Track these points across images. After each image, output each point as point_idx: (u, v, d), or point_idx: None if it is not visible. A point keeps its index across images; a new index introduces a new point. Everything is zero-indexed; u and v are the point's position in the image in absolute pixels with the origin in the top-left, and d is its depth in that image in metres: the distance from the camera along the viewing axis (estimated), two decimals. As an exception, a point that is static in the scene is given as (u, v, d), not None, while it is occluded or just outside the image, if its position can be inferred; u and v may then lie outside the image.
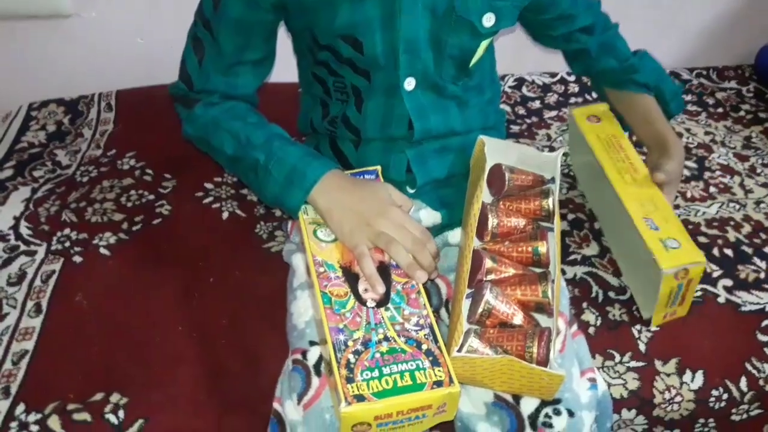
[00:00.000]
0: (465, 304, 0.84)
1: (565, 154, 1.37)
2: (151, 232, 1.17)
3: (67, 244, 1.14)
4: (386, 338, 0.76)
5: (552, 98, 1.60)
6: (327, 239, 0.87)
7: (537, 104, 1.58)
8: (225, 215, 1.21)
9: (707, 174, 1.37)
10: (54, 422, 0.88)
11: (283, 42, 1.02)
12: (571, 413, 0.81)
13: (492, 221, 0.91)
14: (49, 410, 0.90)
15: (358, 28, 0.89)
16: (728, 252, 1.19)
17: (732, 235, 1.22)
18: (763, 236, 1.22)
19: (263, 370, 0.95)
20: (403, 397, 0.70)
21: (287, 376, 0.85)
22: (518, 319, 0.82)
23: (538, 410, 0.81)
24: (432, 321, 0.78)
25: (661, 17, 1.71)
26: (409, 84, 0.94)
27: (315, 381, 0.81)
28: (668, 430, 1.02)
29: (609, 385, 0.97)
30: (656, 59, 1.16)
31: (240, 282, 1.09)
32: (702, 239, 1.21)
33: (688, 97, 1.62)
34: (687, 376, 1.00)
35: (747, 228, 1.24)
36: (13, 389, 0.92)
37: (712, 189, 1.33)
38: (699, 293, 1.10)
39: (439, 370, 0.73)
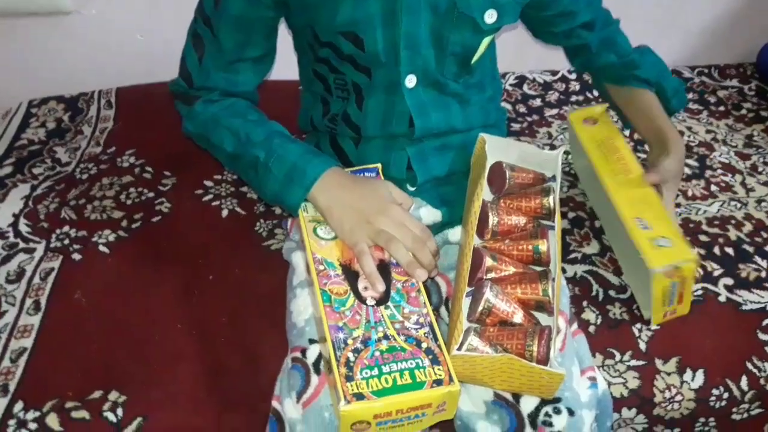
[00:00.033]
0: (465, 303, 0.84)
1: (566, 152, 1.36)
2: (151, 230, 1.17)
3: (67, 241, 1.14)
4: (386, 336, 0.75)
5: (553, 96, 1.59)
6: (327, 237, 0.87)
7: (538, 102, 1.57)
8: (225, 213, 1.21)
9: (708, 172, 1.37)
10: (52, 420, 0.88)
11: (284, 39, 1.01)
12: (571, 412, 0.81)
13: (492, 219, 0.91)
14: (48, 408, 0.90)
15: (359, 24, 0.88)
16: (729, 251, 1.19)
17: (733, 233, 1.22)
18: (765, 235, 1.22)
19: (262, 368, 0.95)
20: (402, 395, 0.70)
21: (286, 374, 0.85)
22: (518, 317, 0.82)
23: (538, 409, 0.81)
24: (432, 319, 0.78)
25: (663, 15, 1.71)
26: (410, 81, 0.94)
27: (314, 379, 0.81)
28: (669, 429, 1.02)
29: (609, 383, 0.97)
30: (658, 55, 1.16)
31: (240, 280, 1.09)
32: (703, 238, 1.20)
33: (690, 96, 1.62)
34: (687, 375, 1.00)
35: (748, 227, 1.24)
36: (12, 387, 0.92)
37: (713, 187, 1.33)
38: (700, 292, 1.10)
39: (438, 369, 0.72)
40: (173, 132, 1.10)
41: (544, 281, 0.83)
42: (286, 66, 1.11)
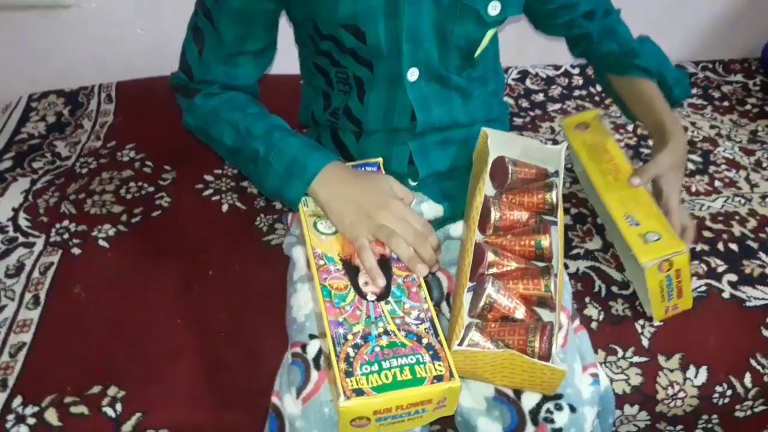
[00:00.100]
0: (466, 298, 0.83)
1: (569, 147, 1.36)
2: (151, 225, 1.17)
3: (66, 236, 1.13)
4: (386, 332, 0.75)
5: (556, 91, 1.59)
6: (327, 232, 0.86)
7: (540, 97, 1.57)
8: (225, 208, 1.21)
9: (712, 168, 1.36)
10: (51, 415, 0.88)
11: (285, 33, 1.01)
12: (572, 408, 0.80)
13: (495, 214, 0.90)
14: (47, 403, 0.89)
15: (361, 17, 0.88)
16: (733, 247, 1.18)
17: (737, 229, 1.21)
18: (769, 231, 1.21)
19: (262, 363, 0.95)
20: (402, 391, 0.69)
21: (286, 369, 0.84)
22: (520, 313, 0.81)
23: (539, 405, 0.80)
24: (433, 315, 0.78)
25: (667, 10, 1.70)
26: (413, 75, 0.93)
27: (314, 375, 0.80)
28: (671, 426, 1.01)
29: (611, 380, 0.96)
30: (658, 45, 1.15)
31: (240, 275, 1.08)
32: (707, 234, 1.20)
33: (694, 91, 1.61)
34: (690, 371, 0.99)
35: (752, 222, 1.23)
36: (11, 382, 0.92)
37: (717, 183, 1.32)
38: (703, 288, 1.09)
39: (439, 365, 0.72)
40: (174, 126, 1.09)
41: (546, 277, 0.82)
42: (286, 60, 1.11)
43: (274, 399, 0.83)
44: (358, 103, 0.97)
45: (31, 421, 0.87)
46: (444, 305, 0.97)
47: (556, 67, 1.66)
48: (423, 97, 0.96)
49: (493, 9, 0.91)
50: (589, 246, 1.16)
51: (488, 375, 0.79)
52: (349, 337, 0.74)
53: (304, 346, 0.83)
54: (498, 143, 0.95)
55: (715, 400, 0.99)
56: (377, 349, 0.73)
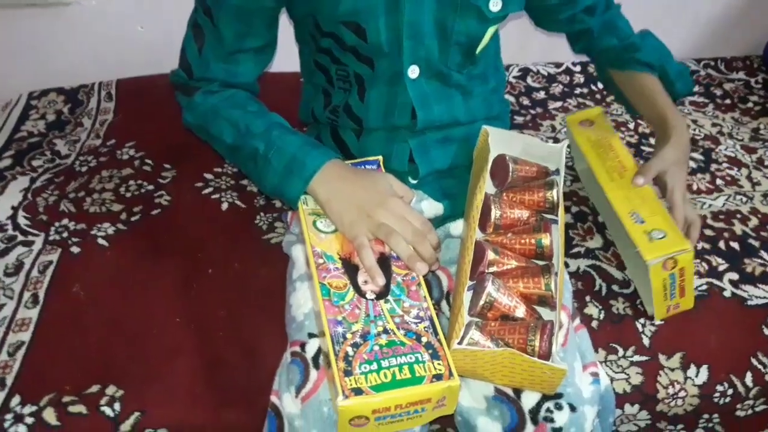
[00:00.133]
0: (466, 297, 0.83)
1: (569, 146, 1.35)
2: (150, 223, 1.16)
3: (65, 234, 1.13)
4: (385, 331, 0.74)
5: (557, 89, 1.58)
6: (327, 230, 0.86)
7: (542, 95, 1.56)
8: (224, 206, 1.20)
9: (714, 166, 1.35)
10: (49, 414, 0.88)
11: (285, 30, 1.00)
12: (572, 408, 0.80)
13: (495, 212, 0.90)
14: (45, 402, 0.89)
15: (362, 14, 0.87)
16: (734, 245, 1.17)
17: (738, 228, 1.21)
18: (771, 229, 1.21)
19: (262, 362, 0.94)
20: (401, 390, 0.69)
21: (285, 368, 0.84)
22: (520, 312, 0.81)
23: (539, 404, 0.80)
24: (432, 313, 0.77)
25: (669, 7, 1.69)
26: (413, 72, 0.93)
27: (313, 374, 0.80)
28: (672, 426, 1.01)
29: (612, 379, 0.96)
30: (659, 39, 1.14)
31: (239, 273, 1.08)
32: (708, 232, 1.19)
33: (696, 89, 1.60)
34: (691, 370, 0.99)
35: (754, 221, 1.23)
36: (9, 381, 0.91)
37: (718, 181, 1.32)
38: (704, 287, 1.09)
39: (438, 364, 0.71)
40: (174, 124, 1.09)
41: (546, 275, 0.82)
42: (287, 57, 1.10)
43: (273, 398, 0.83)
44: (358, 100, 0.97)
45: (29, 420, 0.87)
46: (444, 304, 0.96)
47: (558, 65, 1.66)
48: (423, 94, 0.95)
49: (495, 5, 0.90)
50: (590, 244, 1.15)
51: (488, 374, 0.79)
52: (348, 335, 0.73)
53: (303, 345, 0.83)
54: (499, 141, 0.95)
55: (716, 400, 0.98)
56: (376, 348, 0.72)
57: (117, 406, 0.89)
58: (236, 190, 1.23)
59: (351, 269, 0.81)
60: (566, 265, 1.11)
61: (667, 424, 1.00)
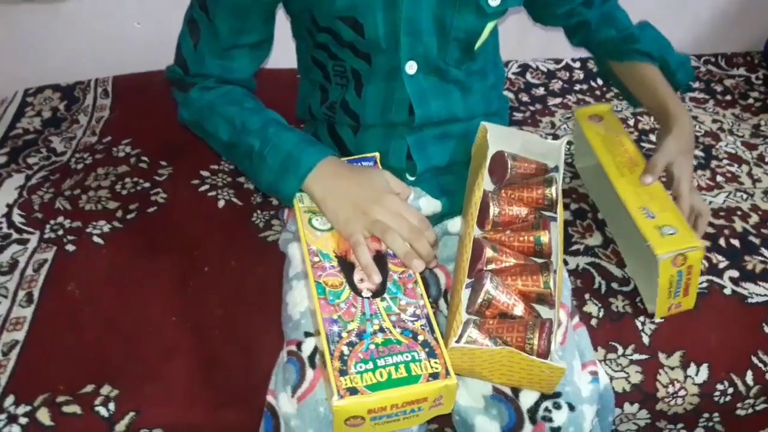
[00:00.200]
0: (464, 294, 0.82)
1: (569, 143, 1.35)
2: (146, 221, 1.16)
3: (61, 232, 1.12)
4: (381, 329, 0.73)
5: (556, 85, 1.57)
6: (322, 228, 0.85)
7: (541, 91, 1.55)
8: (221, 203, 1.20)
9: (714, 163, 1.35)
10: (43, 415, 0.87)
11: (282, 27, 1.00)
12: (571, 407, 0.79)
13: (493, 210, 0.89)
14: (39, 402, 0.88)
15: (359, 9, 0.86)
16: (735, 242, 1.17)
17: (739, 225, 1.20)
18: (771, 226, 1.20)
19: (258, 361, 0.93)
20: (397, 390, 0.68)
21: (282, 368, 0.83)
22: (519, 310, 0.80)
23: (537, 404, 0.79)
24: (429, 311, 0.76)
25: (669, 3, 1.68)
26: (411, 68, 0.92)
27: (309, 373, 0.79)
28: (672, 425, 1.00)
29: (611, 378, 0.95)
30: (658, 30, 1.13)
31: (236, 272, 1.08)
32: (708, 229, 1.18)
33: (696, 84, 1.59)
34: (691, 369, 0.98)
35: (754, 218, 1.22)
36: (3, 381, 0.91)
37: (719, 178, 1.31)
38: (705, 284, 1.08)
39: (435, 362, 0.71)
40: (170, 121, 1.08)
41: (545, 273, 0.81)
42: (284, 54, 1.10)
43: (269, 398, 0.83)
44: (355, 96, 0.96)
45: (23, 420, 0.86)
46: (441, 302, 0.95)
47: (557, 61, 1.65)
48: (421, 90, 0.94)
49: (494, 0, 0.89)
50: (590, 242, 1.15)
51: (486, 373, 0.78)
52: (344, 334, 0.73)
53: (299, 344, 0.82)
54: (497, 137, 0.94)
55: (716, 398, 0.98)
56: (372, 346, 0.71)
57: (112, 405, 0.88)
58: (233, 188, 1.23)
59: (347, 267, 0.80)
60: (565, 262, 1.10)
61: (667, 423, 0.99)
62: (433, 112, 0.96)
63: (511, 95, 1.53)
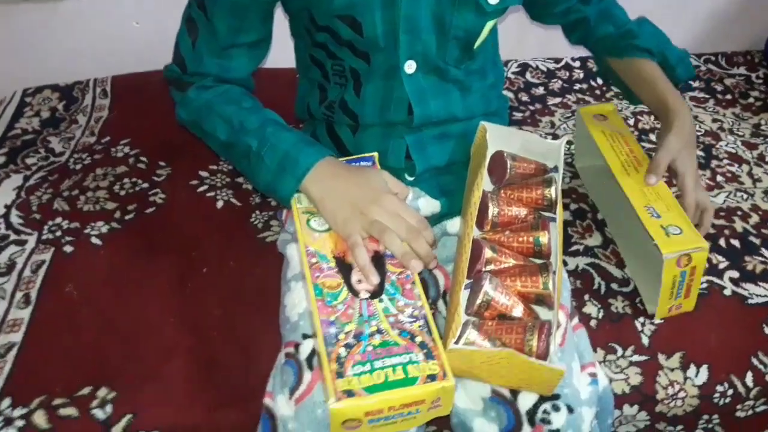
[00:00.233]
0: (463, 295, 0.81)
1: (569, 143, 1.34)
2: (144, 221, 1.15)
3: (59, 233, 1.12)
4: (379, 331, 0.73)
5: (556, 84, 1.57)
6: (320, 229, 0.84)
7: (541, 90, 1.55)
8: (220, 204, 1.19)
9: (714, 162, 1.34)
10: (40, 417, 0.86)
11: (282, 26, 0.99)
12: (570, 409, 0.79)
13: (492, 210, 0.88)
14: (35, 405, 0.88)
15: (357, 7, 0.86)
16: (735, 243, 1.16)
17: (739, 225, 1.20)
18: (772, 226, 1.19)
19: (256, 363, 0.93)
20: (394, 392, 0.67)
21: (279, 369, 0.83)
22: (518, 311, 0.79)
23: (536, 406, 0.79)
24: (427, 312, 0.76)
25: (669, 2, 1.68)
26: (410, 67, 0.92)
27: (307, 375, 0.79)
28: (671, 427, 1.00)
29: (610, 380, 0.95)
30: (657, 26, 1.13)
31: (234, 272, 1.07)
32: (708, 229, 1.17)
33: (696, 84, 1.59)
34: (691, 371, 0.97)
35: (755, 218, 1.21)
36: (0, 383, 0.90)
37: (719, 178, 1.30)
38: (704, 285, 1.08)
39: (433, 363, 0.70)
40: (169, 121, 1.07)
41: (544, 274, 0.81)
42: (283, 53, 1.09)
43: (267, 400, 0.82)
44: (354, 96, 0.96)
45: (20, 423, 0.86)
46: (441, 303, 0.95)
47: (557, 60, 1.64)
48: (420, 89, 0.94)
49: None
50: (589, 242, 1.14)
51: (485, 375, 0.78)
52: (341, 336, 0.72)
53: (297, 346, 0.82)
54: (497, 137, 0.93)
55: (715, 400, 0.97)
56: (369, 348, 0.71)
57: (108, 408, 0.88)
58: (232, 188, 1.22)
59: (345, 268, 0.80)
60: (565, 263, 1.09)
61: (667, 425, 0.99)
62: (432, 112, 0.96)
63: (510, 95, 1.52)
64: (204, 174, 1.25)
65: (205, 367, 0.94)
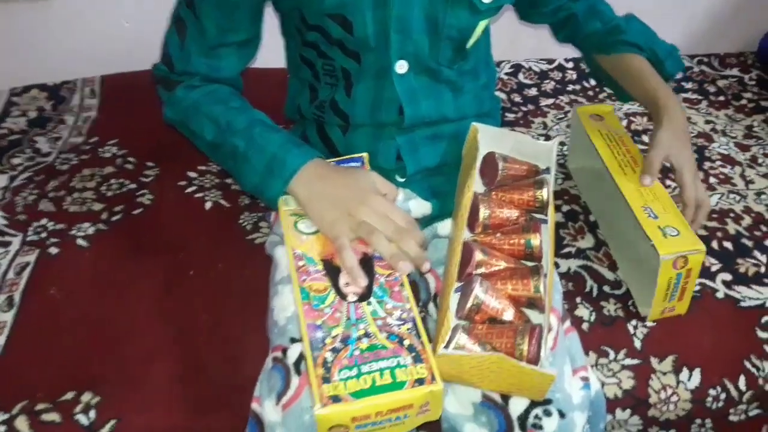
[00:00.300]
0: (453, 299, 0.80)
1: (561, 144, 1.34)
2: (131, 223, 1.14)
3: (44, 234, 1.10)
4: (367, 334, 0.72)
5: (549, 85, 1.56)
6: (308, 231, 0.83)
7: (533, 91, 1.54)
8: (208, 205, 1.18)
9: (707, 164, 1.34)
10: (21, 423, 0.85)
11: (273, 26, 0.98)
12: (562, 414, 0.78)
13: (483, 212, 0.87)
14: (17, 410, 0.86)
15: (348, 6, 0.85)
16: (728, 245, 1.16)
17: (732, 227, 1.19)
18: (764, 229, 1.19)
19: (244, 367, 0.92)
20: (381, 396, 0.66)
21: (267, 374, 0.82)
22: (509, 314, 0.78)
23: (527, 411, 0.78)
24: (415, 314, 0.75)
25: (662, 3, 1.67)
26: (401, 67, 0.91)
27: (295, 380, 0.77)
28: (664, 431, 0.99)
29: (603, 384, 0.94)
30: (644, 23, 1.12)
31: (222, 275, 1.06)
32: (701, 231, 1.17)
33: (689, 85, 1.58)
34: (684, 374, 0.97)
35: (747, 220, 1.21)
36: (-19, 388, 0.89)
37: (711, 179, 1.30)
38: (697, 288, 1.07)
39: (421, 367, 0.69)
40: (157, 121, 1.06)
41: (535, 277, 0.80)
42: (275, 53, 1.08)
43: (254, 405, 0.81)
44: (344, 96, 0.95)
45: (1, 429, 0.84)
46: (431, 306, 0.94)
47: (550, 61, 1.64)
48: (411, 90, 0.93)
49: None
50: (581, 244, 1.13)
51: (475, 379, 0.77)
52: (328, 340, 0.71)
53: (284, 351, 0.80)
54: (488, 138, 0.93)
55: (708, 404, 0.97)
56: (357, 352, 0.70)
57: (92, 413, 0.87)
58: (220, 189, 1.21)
59: (333, 271, 0.79)
60: (556, 265, 1.09)
61: (659, 429, 0.98)
62: (424, 113, 0.95)
63: (503, 96, 1.52)
64: (192, 175, 1.23)
65: (191, 371, 0.93)
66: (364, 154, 0.93)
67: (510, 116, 1.45)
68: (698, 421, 0.98)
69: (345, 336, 0.72)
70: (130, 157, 1.27)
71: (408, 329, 0.73)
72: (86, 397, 0.88)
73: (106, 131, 1.34)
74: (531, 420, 0.77)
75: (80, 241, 1.09)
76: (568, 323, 0.92)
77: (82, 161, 1.26)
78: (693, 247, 0.92)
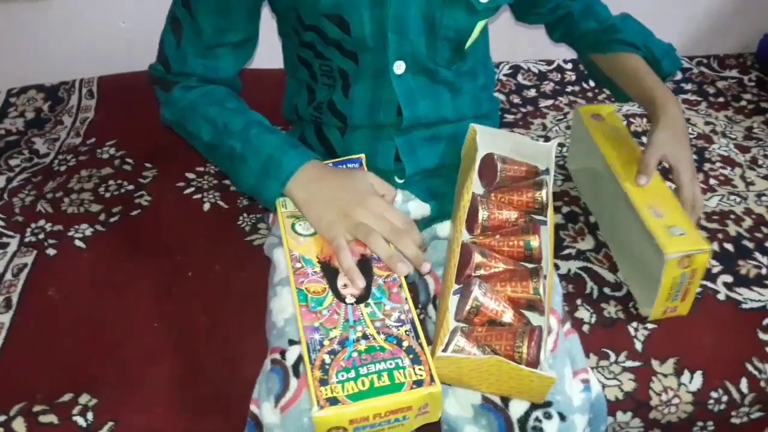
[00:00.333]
0: (452, 301, 0.80)
1: (560, 145, 1.33)
2: (129, 224, 1.14)
3: (42, 236, 1.10)
4: (365, 336, 0.71)
5: (548, 87, 1.56)
6: (305, 233, 0.83)
7: (532, 93, 1.54)
8: (206, 206, 1.18)
9: (707, 165, 1.33)
10: (18, 425, 0.85)
11: (271, 27, 0.98)
12: (562, 417, 0.77)
13: (482, 213, 0.87)
14: (15, 412, 0.86)
15: (345, 6, 0.85)
16: (729, 247, 1.15)
17: (732, 229, 1.19)
18: (765, 230, 1.19)
19: (242, 369, 0.91)
20: (379, 398, 0.66)
21: (266, 376, 0.81)
22: (508, 316, 0.78)
23: (527, 413, 0.77)
24: (414, 316, 0.74)
25: (661, 4, 1.67)
26: (399, 68, 0.91)
27: (293, 382, 0.77)
28: (665, 434, 0.98)
29: (603, 386, 0.94)
30: (640, 22, 1.12)
31: (220, 277, 1.06)
32: (701, 233, 1.17)
33: (688, 86, 1.58)
34: (685, 376, 0.96)
35: (748, 222, 1.20)
36: (-22, 389, 0.89)
37: (712, 181, 1.29)
38: (698, 289, 1.06)
39: (419, 369, 0.69)
40: (156, 122, 1.06)
41: (535, 279, 0.79)
42: (272, 54, 1.08)
43: (253, 407, 0.80)
44: (342, 97, 0.95)
45: (-2, 431, 0.84)
46: (431, 308, 0.94)
47: (549, 62, 1.63)
48: (409, 91, 0.93)
49: None
50: (581, 246, 1.13)
51: (474, 382, 0.76)
52: (326, 342, 0.70)
53: (283, 353, 0.80)
54: (487, 139, 0.92)
55: (710, 407, 0.96)
56: (354, 354, 0.69)
57: (90, 415, 0.86)
58: (219, 190, 1.21)
59: (330, 273, 0.78)
60: (556, 267, 1.08)
61: (660, 431, 0.98)
62: (422, 114, 0.95)
63: (502, 97, 1.51)
64: (191, 176, 1.23)
65: (189, 373, 0.92)
66: (362, 155, 0.93)
67: (509, 117, 1.45)
68: (700, 423, 0.98)
69: (343, 338, 0.71)
70: (128, 158, 1.27)
71: (406, 331, 0.73)
72: (84, 398, 0.88)
73: (103, 132, 1.33)
74: (531, 422, 0.77)
75: (78, 243, 1.09)
76: (568, 325, 0.91)
77: (79, 162, 1.26)
78: (699, 247, 0.92)
